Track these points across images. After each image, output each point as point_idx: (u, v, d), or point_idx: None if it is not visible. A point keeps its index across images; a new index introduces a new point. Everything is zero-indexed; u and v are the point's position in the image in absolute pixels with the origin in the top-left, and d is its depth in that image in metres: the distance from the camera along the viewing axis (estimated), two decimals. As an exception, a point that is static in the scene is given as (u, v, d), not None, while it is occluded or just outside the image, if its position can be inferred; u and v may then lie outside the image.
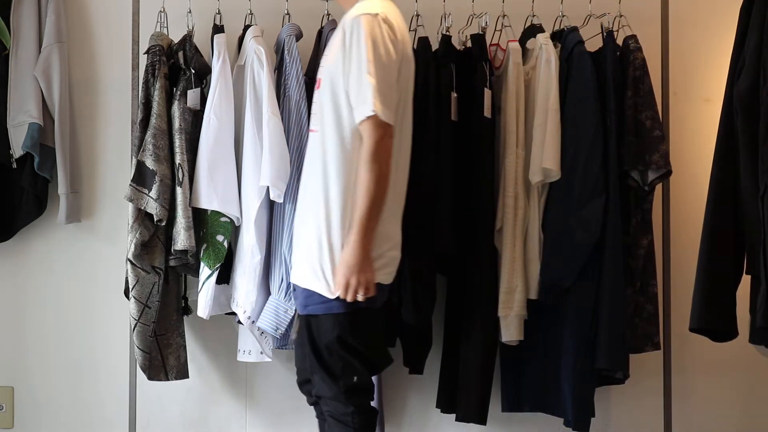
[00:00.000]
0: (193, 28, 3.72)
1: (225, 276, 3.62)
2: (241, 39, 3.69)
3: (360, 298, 3.05)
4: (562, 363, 3.61)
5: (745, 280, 3.48)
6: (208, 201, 3.56)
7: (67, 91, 3.85)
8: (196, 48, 3.68)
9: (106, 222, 3.94)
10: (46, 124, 3.77)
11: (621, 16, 3.74)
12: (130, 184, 3.54)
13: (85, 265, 3.95)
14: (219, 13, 3.74)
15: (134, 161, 3.59)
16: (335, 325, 3.11)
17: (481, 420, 3.63)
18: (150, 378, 3.64)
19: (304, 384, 3.28)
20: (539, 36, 3.66)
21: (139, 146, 3.59)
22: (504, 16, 3.76)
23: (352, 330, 3.12)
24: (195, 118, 3.63)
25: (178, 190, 3.57)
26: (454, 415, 3.70)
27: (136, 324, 3.58)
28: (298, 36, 3.62)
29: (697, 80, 3.97)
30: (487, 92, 3.62)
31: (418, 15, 3.73)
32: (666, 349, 3.91)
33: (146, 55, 3.65)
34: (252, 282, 3.50)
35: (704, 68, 3.96)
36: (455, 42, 3.72)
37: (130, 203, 3.56)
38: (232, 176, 3.57)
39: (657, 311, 3.71)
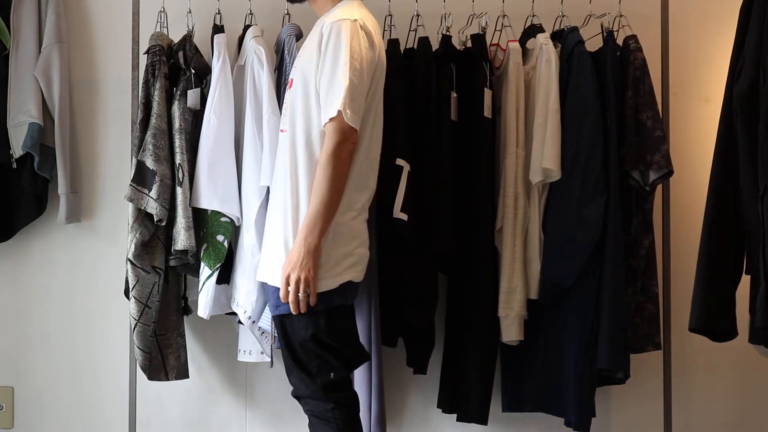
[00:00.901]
0: (193, 28, 3.72)
1: (225, 276, 3.62)
2: (241, 39, 3.69)
3: (300, 295, 3.05)
4: (562, 363, 3.61)
5: (745, 280, 3.48)
6: (208, 201, 3.56)
7: (67, 91, 3.85)
8: (196, 48, 3.68)
9: (106, 222, 3.94)
10: (46, 124, 3.78)
11: (621, 16, 3.74)
12: (130, 184, 3.55)
13: (85, 265, 3.95)
14: (219, 13, 3.74)
15: (134, 161, 3.59)
16: (308, 323, 3.11)
17: (482, 420, 3.64)
18: (150, 378, 3.64)
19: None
20: (539, 36, 3.66)
21: (139, 146, 3.59)
22: (504, 16, 3.76)
23: (327, 328, 3.13)
24: (195, 118, 3.64)
25: (179, 190, 3.57)
26: (454, 416, 3.70)
27: (137, 324, 3.58)
28: (298, 36, 3.62)
29: (697, 80, 3.97)
30: (487, 92, 3.62)
31: (418, 15, 3.73)
32: (666, 349, 3.90)
33: (146, 55, 3.65)
34: (252, 282, 3.50)
35: (704, 68, 3.96)
36: (455, 42, 3.72)
37: (130, 203, 3.56)
38: (233, 176, 3.57)
39: (658, 311, 3.72)
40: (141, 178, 3.54)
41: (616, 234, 3.53)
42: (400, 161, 3.50)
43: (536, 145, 3.58)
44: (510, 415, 3.80)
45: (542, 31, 3.70)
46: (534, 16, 3.75)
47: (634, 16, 3.76)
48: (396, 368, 3.78)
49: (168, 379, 3.68)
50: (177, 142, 3.59)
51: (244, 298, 3.51)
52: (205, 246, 3.59)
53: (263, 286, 3.30)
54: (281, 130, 3.24)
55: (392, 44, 3.64)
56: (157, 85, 3.60)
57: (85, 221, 3.94)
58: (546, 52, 3.61)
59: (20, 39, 3.79)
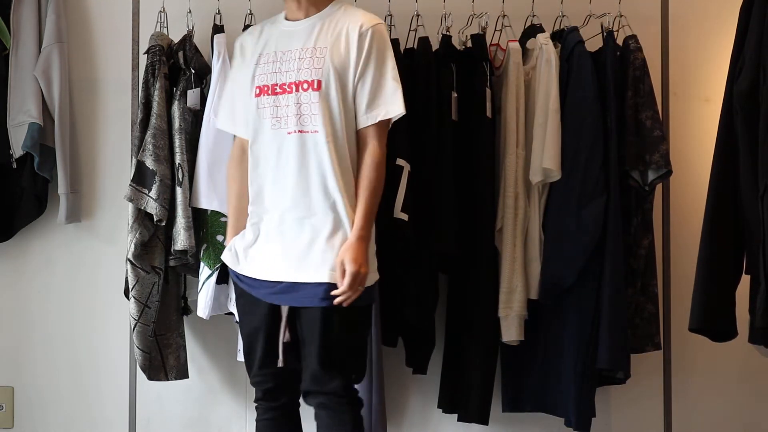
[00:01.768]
0: (193, 28, 3.72)
1: (225, 276, 3.62)
2: (241, 39, 3.69)
3: (360, 289, 3.08)
4: (562, 363, 3.61)
5: (745, 280, 3.48)
6: (207, 201, 3.56)
7: (67, 91, 3.85)
8: (196, 48, 3.68)
9: (106, 222, 3.94)
10: (46, 124, 3.77)
11: (621, 16, 3.74)
12: (130, 184, 3.55)
13: (85, 265, 3.95)
14: (219, 13, 3.74)
15: (134, 161, 3.59)
16: (358, 317, 3.16)
17: (483, 420, 3.64)
18: (150, 378, 3.64)
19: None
20: (539, 36, 3.66)
21: (139, 146, 3.59)
22: (504, 16, 3.76)
23: (367, 323, 3.22)
24: (195, 118, 3.64)
25: (178, 190, 3.57)
26: (455, 416, 3.70)
27: (136, 324, 3.58)
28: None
29: (697, 80, 3.97)
30: (488, 92, 3.62)
31: (418, 15, 3.73)
32: (666, 349, 3.91)
33: (146, 55, 3.65)
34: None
35: (704, 68, 3.96)
36: (455, 42, 3.73)
37: (130, 203, 3.56)
38: (233, 176, 3.57)
39: (658, 311, 3.72)
40: (141, 178, 3.54)
41: (616, 234, 3.53)
42: (400, 161, 3.50)
43: (536, 145, 3.58)
44: (510, 415, 3.80)
45: (542, 31, 3.70)
46: (534, 16, 3.75)
47: (634, 16, 3.76)
48: (396, 368, 3.78)
49: (168, 379, 3.68)
50: (177, 142, 3.59)
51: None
52: (204, 246, 3.59)
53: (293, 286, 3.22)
54: (299, 131, 3.15)
55: (392, 44, 3.63)
56: (157, 85, 3.61)
57: (85, 221, 3.94)
58: (546, 52, 3.61)
59: (20, 39, 3.79)
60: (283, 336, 3.16)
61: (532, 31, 3.73)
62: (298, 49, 3.17)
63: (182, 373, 3.71)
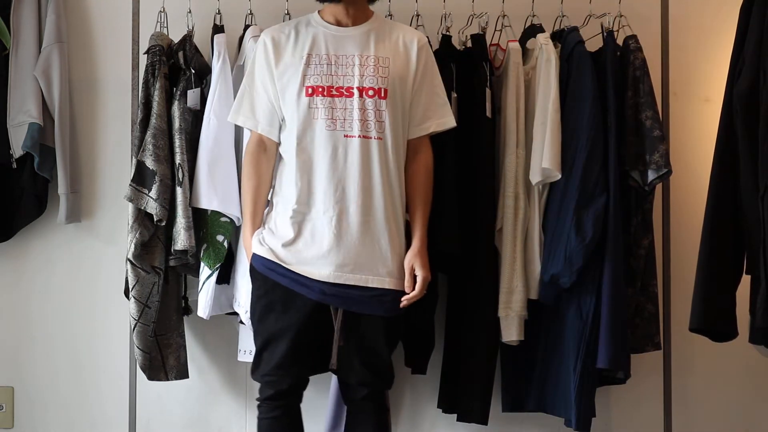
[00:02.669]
0: (193, 28, 3.72)
1: (225, 276, 3.62)
2: (241, 39, 3.69)
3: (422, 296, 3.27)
4: (562, 363, 3.61)
5: (745, 280, 3.48)
6: (208, 201, 3.56)
7: (67, 91, 3.85)
8: (196, 48, 3.68)
9: (106, 222, 3.94)
10: (46, 124, 3.78)
11: (621, 16, 3.74)
12: (130, 184, 3.55)
13: (85, 265, 3.95)
14: (219, 13, 3.74)
15: (134, 161, 3.59)
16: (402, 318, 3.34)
17: (483, 420, 3.64)
18: (150, 378, 3.64)
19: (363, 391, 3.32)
20: (539, 36, 3.66)
21: (139, 146, 3.59)
22: (504, 16, 3.76)
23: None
24: (195, 118, 3.64)
25: (178, 190, 3.57)
26: (455, 415, 3.70)
27: (136, 324, 3.58)
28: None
29: (697, 80, 3.97)
30: (488, 92, 3.62)
31: (418, 15, 3.73)
32: (666, 349, 3.91)
33: (146, 55, 3.65)
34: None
35: (704, 68, 3.96)
36: (455, 42, 3.73)
37: (130, 203, 3.56)
38: (233, 176, 3.57)
39: (658, 311, 3.72)
40: (141, 178, 3.54)
41: (616, 234, 3.53)
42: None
43: (536, 145, 3.58)
44: (510, 415, 3.80)
45: (542, 31, 3.70)
46: (534, 16, 3.75)
47: (634, 16, 3.76)
48: (396, 368, 3.77)
49: (168, 379, 3.68)
50: (177, 142, 3.59)
51: (246, 298, 3.51)
52: (204, 246, 3.59)
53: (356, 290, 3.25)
54: (363, 136, 3.22)
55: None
56: (157, 85, 3.61)
57: (85, 221, 3.94)
58: (546, 52, 3.61)
59: (20, 39, 3.79)
60: (339, 340, 3.21)
61: (532, 31, 3.73)
62: (356, 55, 3.26)
63: (182, 373, 3.71)
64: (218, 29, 3.69)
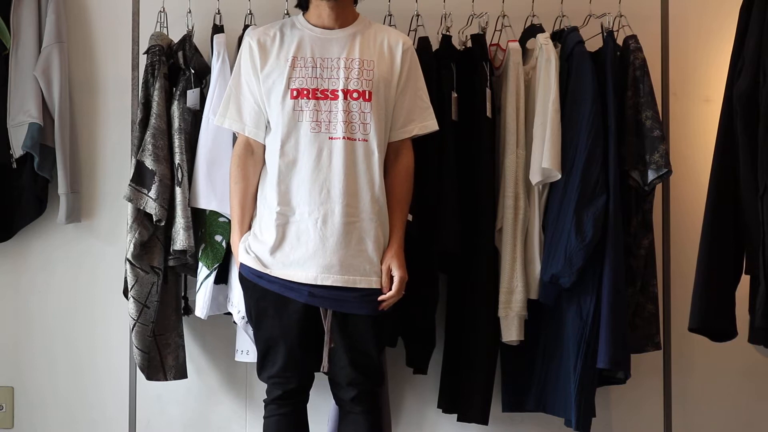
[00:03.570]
0: (193, 28, 3.72)
1: (223, 276, 3.62)
2: (240, 39, 3.69)
3: (401, 296, 3.29)
4: (562, 363, 3.61)
5: (745, 280, 3.48)
6: (206, 201, 3.56)
7: (67, 91, 3.85)
8: (195, 48, 3.68)
9: (106, 222, 3.94)
10: (46, 124, 3.77)
11: (621, 16, 3.74)
12: (129, 184, 3.55)
13: (85, 265, 3.95)
14: (219, 13, 3.74)
15: (134, 161, 3.59)
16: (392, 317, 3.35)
17: (483, 420, 3.64)
18: (148, 378, 3.64)
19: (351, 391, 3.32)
20: (539, 36, 3.66)
21: (139, 146, 3.59)
22: (504, 16, 3.76)
23: None
24: (194, 118, 3.64)
25: (178, 190, 3.57)
26: (455, 416, 3.70)
27: (135, 324, 3.58)
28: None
29: (697, 80, 3.97)
30: (488, 92, 3.62)
31: (418, 15, 3.73)
32: (666, 349, 3.91)
33: (146, 55, 3.65)
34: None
35: (704, 68, 3.95)
36: (455, 42, 3.73)
37: (130, 203, 3.56)
38: (232, 176, 3.57)
39: (658, 311, 3.72)
40: (140, 178, 3.54)
41: (616, 234, 3.53)
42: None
43: (536, 145, 3.58)
44: (510, 415, 3.80)
45: (542, 31, 3.70)
46: (534, 16, 3.75)
47: (634, 16, 3.76)
48: (396, 368, 3.78)
49: (166, 379, 3.68)
50: (176, 142, 3.59)
51: (239, 298, 3.51)
52: (203, 246, 3.59)
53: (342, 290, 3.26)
54: (347, 138, 3.23)
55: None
56: (157, 85, 3.61)
57: (85, 221, 3.94)
58: (546, 52, 3.61)
59: (20, 39, 3.79)
60: (329, 342, 3.22)
61: (532, 31, 3.73)
62: (341, 58, 3.28)
63: (181, 373, 3.71)
64: (218, 29, 3.69)
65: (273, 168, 3.25)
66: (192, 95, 3.63)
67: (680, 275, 3.87)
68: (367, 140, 3.24)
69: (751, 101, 3.38)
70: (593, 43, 3.70)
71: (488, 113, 3.62)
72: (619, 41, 3.70)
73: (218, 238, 3.58)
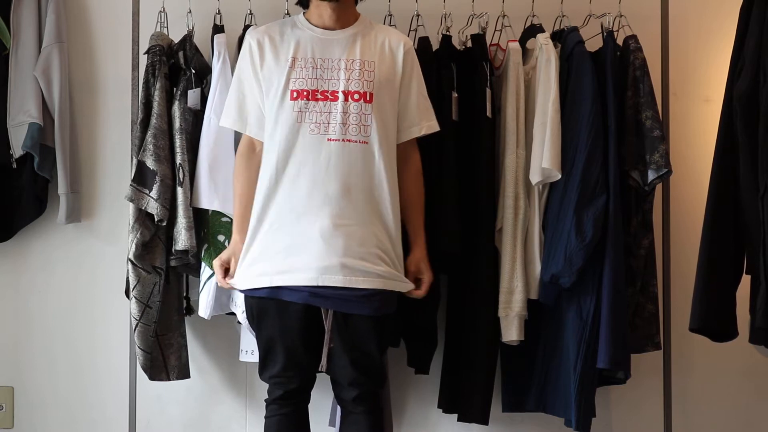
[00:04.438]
0: (193, 28, 3.72)
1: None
2: (240, 39, 3.69)
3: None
4: (562, 363, 3.61)
5: (745, 280, 3.48)
6: (208, 201, 3.56)
7: (67, 91, 3.84)
8: (196, 48, 3.68)
9: (106, 222, 3.94)
10: (46, 124, 3.77)
11: (621, 16, 3.74)
12: (130, 184, 3.55)
13: (86, 265, 3.95)
14: (219, 13, 3.74)
15: (135, 161, 3.59)
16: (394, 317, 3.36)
17: (483, 420, 3.64)
18: (151, 378, 3.64)
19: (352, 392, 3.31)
20: (539, 36, 3.66)
21: (140, 146, 3.59)
22: (504, 16, 3.76)
23: None
24: (195, 118, 3.64)
25: (179, 190, 3.57)
26: (455, 416, 3.70)
27: (138, 324, 3.58)
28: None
29: (697, 80, 3.97)
30: (488, 92, 3.62)
31: (418, 15, 3.73)
32: (666, 349, 3.91)
33: (146, 55, 3.65)
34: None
35: (704, 68, 3.96)
36: (455, 42, 3.73)
37: (131, 203, 3.56)
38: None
39: (658, 311, 3.72)
40: (141, 178, 3.54)
41: (617, 234, 3.53)
42: (403, 164, 3.53)
43: (536, 145, 3.58)
44: (510, 415, 3.80)
45: (542, 31, 3.70)
46: (534, 16, 3.75)
47: (634, 16, 3.76)
48: (396, 368, 3.78)
49: (169, 379, 3.68)
50: (177, 142, 3.59)
51: (242, 298, 3.50)
52: (205, 246, 3.59)
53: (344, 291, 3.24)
54: (346, 140, 3.22)
55: (392, 44, 3.64)
56: (158, 85, 3.61)
57: (85, 221, 3.94)
58: (546, 52, 3.61)
59: (20, 39, 3.79)
60: (329, 341, 3.21)
61: (532, 31, 3.73)
62: (341, 59, 3.28)
63: (183, 373, 3.71)
64: (218, 29, 3.69)
65: (272, 169, 3.24)
66: (193, 95, 3.63)
67: (680, 275, 3.87)
68: (367, 142, 3.23)
69: (751, 101, 3.38)
70: (593, 43, 3.70)
71: (488, 113, 3.63)
72: (619, 41, 3.70)
73: (221, 238, 3.58)
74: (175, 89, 3.65)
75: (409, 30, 3.73)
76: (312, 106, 3.24)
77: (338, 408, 3.42)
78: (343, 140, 3.21)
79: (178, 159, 3.58)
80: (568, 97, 3.60)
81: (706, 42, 3.97)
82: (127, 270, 3.59)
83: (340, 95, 3.24)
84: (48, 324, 3.96)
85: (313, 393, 3.35)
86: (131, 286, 3.57)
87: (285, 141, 3.23)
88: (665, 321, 3.89)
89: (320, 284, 3.17)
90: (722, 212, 3.46)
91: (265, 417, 3.31)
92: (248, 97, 3.32)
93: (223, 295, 3.62)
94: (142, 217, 3.57)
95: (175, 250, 3.57)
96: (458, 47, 3.73)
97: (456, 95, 3.62)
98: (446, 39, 3.70)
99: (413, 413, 3.93)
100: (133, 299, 3.57)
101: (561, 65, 3.61)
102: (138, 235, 3.56)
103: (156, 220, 3.56)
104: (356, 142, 3.22)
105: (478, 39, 3.69)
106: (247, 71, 3.33)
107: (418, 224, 3.37)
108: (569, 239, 3.52)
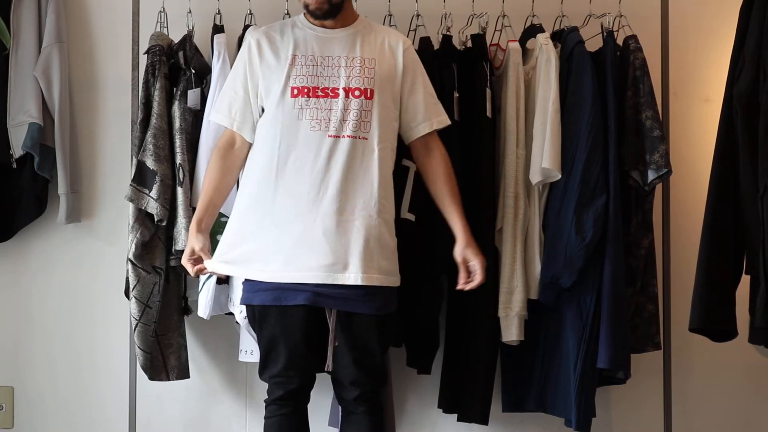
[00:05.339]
0: (193, 28, 3.72)
1: (226, 276, 3.61)
2: (240, 39, 3.69)
3: None
4: (562, 363, 3.61)
5: (745, 280, 3.48)
6: (208, 201, 3.56)
7: (67, 91, 3.84)
8: (196, 48, 3.68)
9: (106, 222, 3.94)
10: (46, 124, 3.77)
11: (621, 16, 3.74)
12: (130, 184, 3.55)
13: (85, 265, 3.95)
14: (219, 13, 3.74)
15: (134, 161, 3.59)
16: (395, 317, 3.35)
17: (483, 420, 3.64)
18: (151, 378, 3.63)
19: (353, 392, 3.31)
20: (539, 36, 3.66)
21: (140, 146, 3.59)
22: (504, 16, 3.76)
23: None
24: (195, 118, 3.64)
25: (179, 190, 3.57)
26: (455, 416, 3.70)
27: (137, 324, 3.58)
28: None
29: (697, 80, 3.97)
30: (488, 92, 3.62)
31: (418, 15, 3.73)
32: (666, 349, 3.91)
33: (146, 55, 3.65)
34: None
35: (704, 68, 3.96)
36: (455, 42, 3.73)
37: (131, 203, 3.56)
38: (233, 176, 3.57)
39: (658, 311, 3.72)
40: (141, 178, 3.55)
41: (617, 234, 3.53)
42: (406, 162, 3.52)
43: (536, 145, 3.58)
44: (510, 415, 3.80)
45: (542, 31, 3.70)
46: (534, 16, 3.75)
47: (634, 16, 3.76)
48: (396, 368, 3.77)
49: (169, 379, 3.68)
50: (177, 142, 3.59)
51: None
52: (205, 246, 3.59)
53: (376, 292, 3.23)
54: (347, 136, 3.22)
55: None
56: (158, 85, 3.61)
57: (85, 221, 3.94)
58: (546, 52, 3.61)
59: (20, 39, 3.79)
60: (334, 341, 3.21)
61: (532, 31, 3.73)
62: (341, 57, 3.28)
63: (183, 373, 3.71)
64: (218, 29, 3.69)
65: (272, 167, 3.24)
66: (193, 95, 3.63)
67: (680, 275, 3.87)
68: (366, 138, 3.23)
69: (751, 101, 3.38)
70: (593, 43, 3.70)
71: (488, 113, 3.63)
72: (619, 41, 3.70)
73: (220, 238, 3.57)
74: (175, 89, 3.65)
75: (409, 30, 3.73)
76: (312, 103, 3.24)
77: (339, 408, 3.42)
78: (344, 137, 3.22)
79: (178, 159, 3.58)
80: (568, 97, 3.60)
81: (706, 42, 3.97)
82: (127, 270, 3.59)
83: (341, 92, 3.24)
84: (48, 324, 3.96)
85: (313, 393, 3.35)
86: (131, 286, 3.58)
87: (285, 138, 3.23)
88: (665, 321, 3.89)
89: (323, 282, 3.16)
90: (722, 212, 3.46)
91: (265, 417, 3.31)
92: (240, 93, 3.32)
93: (223, 295, 3.62)
94: (142, 217, 3.57)
95: (175, 250, 3.57)
96: (458, 47, 3.73)
97: (457, 95, 3.62)
98: (446, 39, 3.70)
99: (413, 413, 3.93)
100: (133, 299, 3.57)
101: (561, 65, 3.61)
102: (138, 235, 3.56)
103: (156, 220, 3.56)
104: (357, 138, 3.22)
105: (478, 39, 3.69)
106: (243, 69, 3.33)
107: (456, 212, 3.34)
108: (569, 239, 3.52)
